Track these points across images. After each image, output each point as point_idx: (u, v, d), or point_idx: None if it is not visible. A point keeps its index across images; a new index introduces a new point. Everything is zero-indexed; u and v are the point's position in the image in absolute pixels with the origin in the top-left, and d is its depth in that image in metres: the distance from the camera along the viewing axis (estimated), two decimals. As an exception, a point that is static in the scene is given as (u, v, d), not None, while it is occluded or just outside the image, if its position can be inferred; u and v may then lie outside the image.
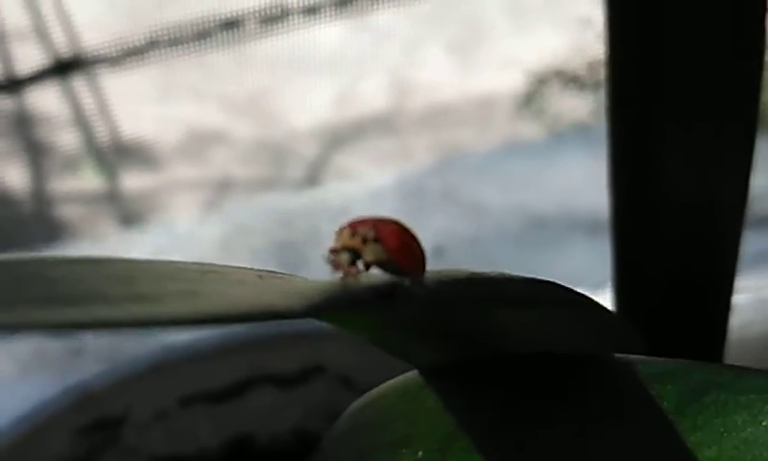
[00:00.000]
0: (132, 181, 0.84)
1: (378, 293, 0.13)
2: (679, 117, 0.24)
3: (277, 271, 0.16)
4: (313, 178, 0.85)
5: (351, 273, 0.13)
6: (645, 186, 0.25)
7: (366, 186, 0.63)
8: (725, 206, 0.25)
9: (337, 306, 0.12)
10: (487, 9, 0.98)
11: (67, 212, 0.80)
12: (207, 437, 0.36)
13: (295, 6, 0.84)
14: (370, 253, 0.13)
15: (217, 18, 0.82)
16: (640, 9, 0.23)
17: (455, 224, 0.58)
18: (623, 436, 0.16)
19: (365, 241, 0.13)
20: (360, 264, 0.13)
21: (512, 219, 0.60)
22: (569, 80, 0.90)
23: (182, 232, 0.60)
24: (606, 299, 0.53)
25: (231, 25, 0.81)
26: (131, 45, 0.79)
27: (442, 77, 0.97)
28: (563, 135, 0.82)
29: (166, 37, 0.80)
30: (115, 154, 0.85)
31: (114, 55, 0.78)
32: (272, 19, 0.83)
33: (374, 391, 0.22)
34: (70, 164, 0.84)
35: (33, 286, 0.10)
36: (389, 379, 0.20)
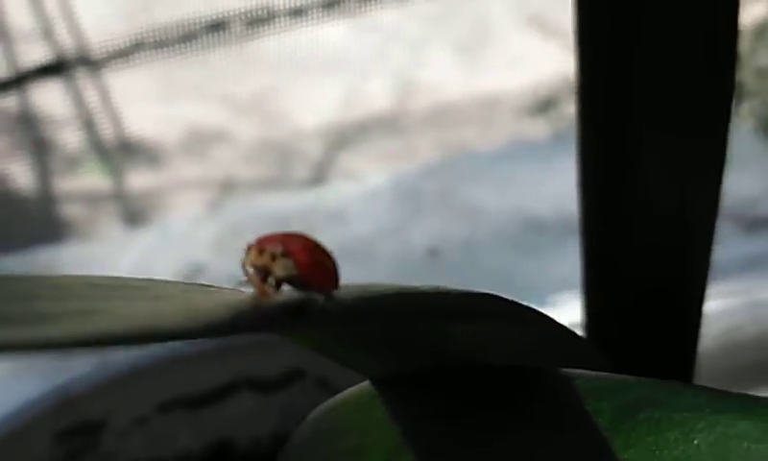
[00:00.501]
0: (136, 179, 0.84)
1: (287, 310, 0.13)
2: (650, 129, 0.24)
3: (207, 284, 0.16)
4: (317, 178, 0.85)
5: (264, 290, 0.13)
6: (616, 196, 0.25)
7: (362, 187, 0.63)
8: (697, 216, 0.25)
9: (245, 327, 0.12)
10: (492, 9, 0.97)
11: (69, 211, 0.80)
12: (188, 442, 0.36)
13: (300, 5, 0.84)
14: (279, 268, 0.13)
15: (221, 17, 0.82)
16: (611, 18, 0.23)
17: (451, 226, 0.58)
18: (559, 451, 0.16)
19: (273, 258, 0.13)
20: (271, 281, 0.13)
21: (509, 222, 0.60)
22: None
23: (176, 232, 0.60)
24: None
25: (234, 24, 0.81)
26: (134, 44, 0.79)
27: (447, 77, 0.96)
28: (566, 138, 0.81)
29: (170, 36, 0.81)
30: (119, 152, 0.85)
31: (118, 53, 0.78)
32: (275, 19, 0.83)
33: (334, 399, 0.22)
34: (74, 162, 0.84)
35: None
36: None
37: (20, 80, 0.83)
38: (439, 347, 0.18)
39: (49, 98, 0.86)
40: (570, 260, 0.57)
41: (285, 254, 0.13)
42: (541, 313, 0.17)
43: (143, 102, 0.88)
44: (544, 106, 0.88)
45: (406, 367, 0.19)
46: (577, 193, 0.26)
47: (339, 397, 0.22)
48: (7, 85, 0.80)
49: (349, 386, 0.26)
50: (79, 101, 0.86)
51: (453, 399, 0.18)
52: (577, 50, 0.24)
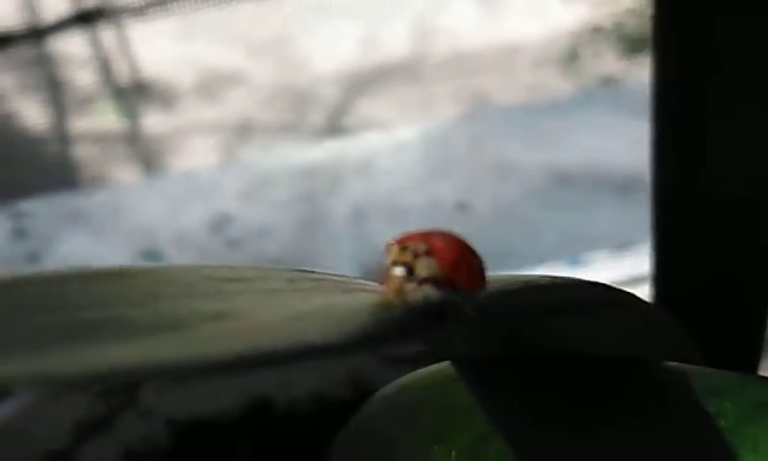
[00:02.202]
0: (152, 122, 0.83)
1: (429, 316, 0.12)
2: (733, 97, 0.23)
3: (306, 269, 0.15)
4: (334, 124, 0.83)
5: (401, 290, 0.12)
6: (693, 171, 0.24)
7: (388, 138, 0.61)
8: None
9: (381, 339, 0.11)
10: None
11: (86, 152, 0.79)
12: (225, 401, 0.35)
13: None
14: (423, 267, 0.12)
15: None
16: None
17: (479, 180, 0.57)
18: (674, 452, 0.15)
19: (417, 256, 0.12)
20: (412, 282, 0.12)
21: (538, 175, 0.59)
22: (600, 32, 0.88)
23: (203, 182, 0.59)
24: (628, 259, 0.51)
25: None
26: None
27: (467, 23, 0.94)
28: (590, 91, 0.80)
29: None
30: (135, 94, 0.84)
31: (138, 5, 0.76)
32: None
33: (408, 378, 0.21)
34: (89, 104, 0.83)
35: (25, 320, 0.09)
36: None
37: (41, 32, 0.81)
38: (543, 334, 0.17)
39: (68, 41, 0.84)
40: (601, 217, 0.56)
41: (429, 253, 0.12)
42: (651, 304, 0.16)
43: (160, 44, 0.86)
44: (567, 58, 0.86)
45: (502, 351, 0.18)
46: (651, 167, 0.25)
47: (414, 376, 0.21)
48: (28, 35, 0.78)
49: (407, 354, 0.25)
50: (95, 42, 0.84)
51: (549, 388, 0.17)
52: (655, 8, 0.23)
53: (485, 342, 0.17)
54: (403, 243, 0.13)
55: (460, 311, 0.12)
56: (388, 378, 0.22)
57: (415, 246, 0.12)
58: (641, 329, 0.18)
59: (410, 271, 0.12)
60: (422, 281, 0.12)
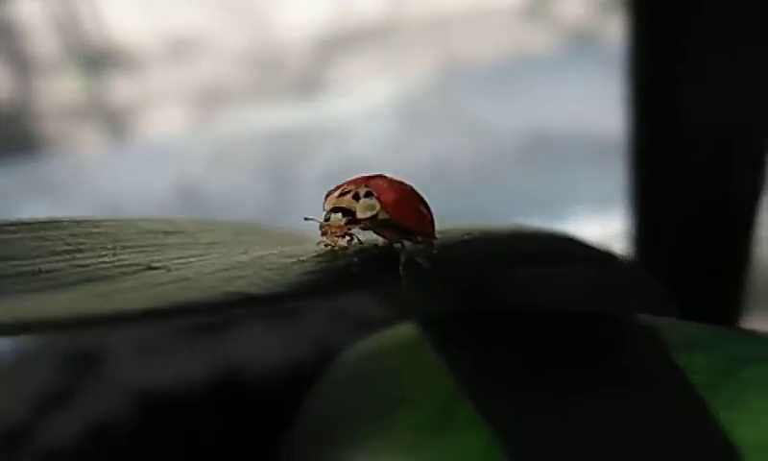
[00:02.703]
0: (118, 88, 0.81)
1: (375, 267, 0.11)
2: (707, 50, 0.22)
3: (255, 222, 0.14)
4: (306, 88, 0.82)
5: (342, 240, 0.11)
6: (671, 112, 0.23)
7: (360, 103, 0.60)
8: (754, 135, 0.24)
9: (327, 291, 0.10)
10: None
11: (49, 119, 0.77)
12: (193, 372, 0.34)
13: None
14: (363, 208, 0.11)
15: None
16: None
17: (456, 143, 0.56)
18: (645, 408, 0.15)
19: (357, 197, 0.11)
20: (355, 225, 0.11)
21: (515, 135, 0.58)
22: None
23: (171, 148, 0.58)
24: (611, 217, 0.51)
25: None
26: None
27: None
28: (566, 48, 0.79)
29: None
30: (100, 59, 0.82)
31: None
32: None
33: (374, 339, 0.20)
34: (52, 70, 0.81)
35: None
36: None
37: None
38: (508, 288, 0.16)
39: (26, 3, 0.82)
40: (579, 171, 0.55)
41: (369, 194, 0.11)
42: (622, 258, 0.15)
43: (125, 8, 0.84)
44: (542, 15, 0.85)
45: (467, 308, 0.17)
46: (625, 122, 0.24)
47: (377, 338, 0.21)
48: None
49: (373, 317, 0.25)
50: (57, 6, 0.82)
51: (519, 347, 0.17)
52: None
53: (445, 297, 0.17)
54: (342, 189, 0.12)
55: (411, 259, 0.11)
56: (355, 342, 0.22)
57: (354, 189, 0.12)
58: (613, 284, 0.17)
59: (351, 216, 0.11)
60: (365, 222, 0.11)
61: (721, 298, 0.24)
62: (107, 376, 0.33)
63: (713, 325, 0.16)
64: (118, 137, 0.75)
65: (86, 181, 0.57)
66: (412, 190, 0.12)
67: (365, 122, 0.59)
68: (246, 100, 0.79)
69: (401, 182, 0.12)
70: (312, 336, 0.32)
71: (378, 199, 0.11)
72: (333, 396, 0.21)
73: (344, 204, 0.11)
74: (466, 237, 0.13)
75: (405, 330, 0.19)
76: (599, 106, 0.61)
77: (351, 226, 0.11)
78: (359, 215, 0.11)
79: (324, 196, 0.12)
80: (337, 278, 0.10)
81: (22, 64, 0.80)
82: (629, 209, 0.24)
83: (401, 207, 0.12)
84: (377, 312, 0.25)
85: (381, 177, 0.12)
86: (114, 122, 0.76)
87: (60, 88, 0.79)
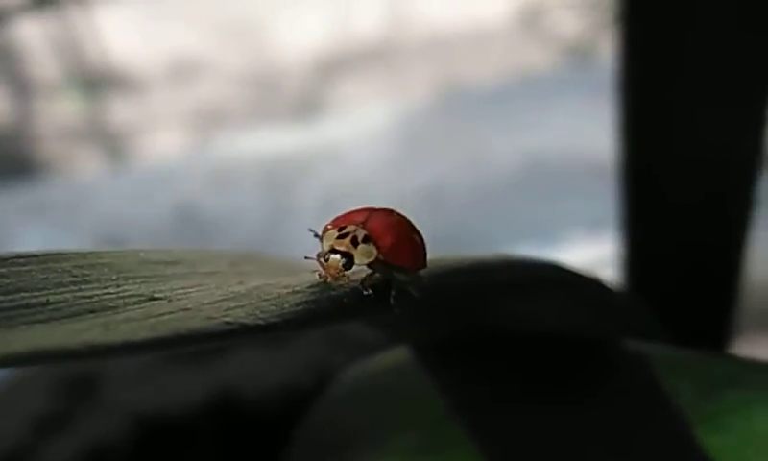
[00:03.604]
0: (117, 109, 0.81)
1: (368, 299, 0.11)
2: (705, 63, 0.22)
3: (251, 251, 0.15)
4: (304, 110, 0.82)
5: (338, 277, 0.11)
6: (664, 140, 0.23)
7: (359, 125, 0.61)
8: (740, 163, 0.24)
9: (321, 321, 0.11)
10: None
11: (49, 141, 0.78)
12: (192, 393, 0.35)
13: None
14: (361, 255, 0.12)
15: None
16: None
17: (453, 166, 0.57)
18: (631, 431, 0.15)
19: (355, 242, 0.12)
20: (352, 270, 0.12)
21: (512, 159, 0.58)
22: (573, 7, 0.87)
23: (170, 170, 0.58)
24: (603, 239, 0.51)
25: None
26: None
27: (439, 4, 0.94)
28: (564, 68, 0.79)
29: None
30: (100, 80, 0.82)
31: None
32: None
33: (369, 362, 0.21)
34: (52, 91, 0.81)
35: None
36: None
37: (2, 17, 0.79)
38: (496, 314, 0.17)
39: (26, 24, 0.83)
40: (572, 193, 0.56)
41: (367, 239, 0.12)
42: (608, 283, 0.16)
43: (123, 29, 0.85)
44: (540, 35, 0.85)
45: (457, 333, 0.17)
46: (617, 143, 0.25)
47: (375, 360, 0.21)
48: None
49: (368, 341, 0.25)
50: (57, 27, 0.83)
51: (509, 371, 0.17)
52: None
53: (437, 323, 0.17)
54: (340, 226, 0.12)
55: (404, 292, 0.12)
56: (350, 365, 0.22)
57: (353, 232, 0.12)
58: (601, 309, 0.17)
59: (349, 260, 0.12)
60: (362, 267, 0.12)
61: (713, 318, 0.25)
62: (104, 399, 0.33)
63: (701, 348, 0.17)
64: (117, 160, 0.75)
65: (85, 203, 0.57)
66: (408, 226, 0.12)
67: (363, 144, 0.59)
68: (245, 122, 0.80)
69: (398, 219, 0.13)
70: (307, 359, 0.33)
71: (376, 244, 0.12)
72: (330, 416, 0.21)
73: (342, 247, 0.12)
74: (456, 266, 0.14)
75: (398, 354, 0.20)
76: (599, 127, 0.62)
77: (349, 269, 0.12)
78: (357, 261, 0.12)
79: (321, 229, 0.12)
80: (330, 308, 0.11)
81: (21, 86, 0.80)
82: (621, 231, 0.24)
83: (398, 250, 0.12)
84: (371, 336, 0.26)
85: (378, 214, 0.12)
86: (113, 144, 0.77)
87: (58, 111, 0.79)
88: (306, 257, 0.12)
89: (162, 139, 0.78)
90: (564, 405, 0.16)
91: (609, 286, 0.16)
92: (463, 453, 0.17)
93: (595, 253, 0.50)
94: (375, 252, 0.12)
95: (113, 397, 0.33)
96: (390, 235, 0.12)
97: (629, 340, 0.16)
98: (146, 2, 0.85)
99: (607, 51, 0.83)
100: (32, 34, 0.82)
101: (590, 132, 0.59)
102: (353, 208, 0.12)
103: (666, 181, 0.24)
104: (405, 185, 0.57)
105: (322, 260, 0.12)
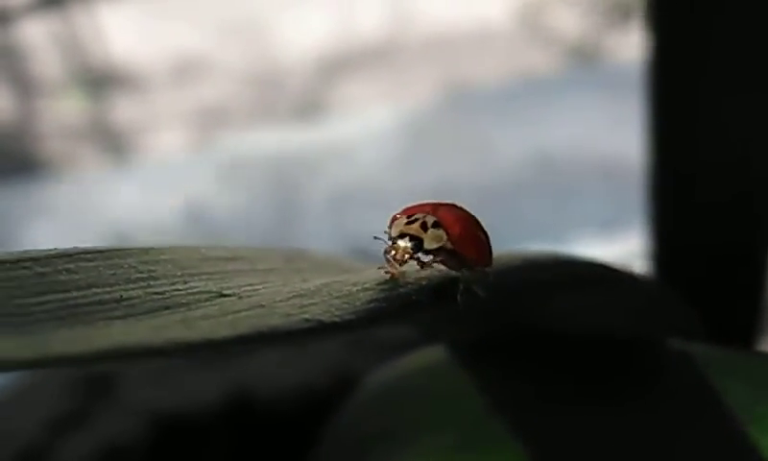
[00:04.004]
0: (122, 108, 0.81)
1: (438, 296, 0.11)
2: (728, 68, 0.22)
3: (300, 249, 0.15)
4: (310, 109, 0.82)
5: (400, 267, 0.11)
6: (691, 136, 0.23)
7: (363, 124, 0.61)
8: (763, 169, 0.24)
9: (391, 317, 0.11)
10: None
11: (53, 140, 0.78)
12: (207, 394, 0.34)
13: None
14: (431, 239, 0.12)
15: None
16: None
17: (460, 165, 0.57)
18: (683, 432, 0.15)
19: (425, 227, 0.12)
20: (421, 256, 0.11)
21: (519, 158, 0.58)
22: (578, 5, 0.87)
23: (176, 169, 0.58)
24: (618, 238, 0.51)
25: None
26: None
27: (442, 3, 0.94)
28: (570, 68, 0.79)
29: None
30: (104, 80, 0.82)
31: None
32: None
33: (400, 362, 0.21)
34: (56, 90, 0.81)
35: (16, 302, 0.09)
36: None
37: (5, 16, 0.79)
38: (538, 314, 0.16)
39: (30, 23, 0.82)
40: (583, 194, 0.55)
41: (437, 224, 0.12)
42: (654, 282, 0.16)
43: (128, 28, 0.84)
44: (545, 35, 0.85)
45: (499, 332, 0.17)
46: (644, 142, 0.24)
47: (406, 360, 0.21)
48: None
49: (389, 342, 0.25)
50: (61, 26, 0.82)
51: (552, 370, 0.17)
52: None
53: (478, 321, 0.17)
54: (410, 214, 0.12)
55: (471, 291, 0.11)
56: (373, 365, 0.22)
57: (423, 217, 0.12)
58: (644, 307, 0.17)
59: (418, 243, 0.12)
60: (430, 254, 0.12)
61: (741, 315, 0.25)
62: (120, 398, 0.33)
63: (734, 345, 0.17)
64: (120, 159, 0.75)
65: (89, 202, 0.57)
66: (475, 222, 0.12)
67: (368, 144, 0.59)
68: (249, 121, 0.80)
69: (466, 213, 0.13)
70: (326, 361, 0.32)
71: (446, 230, 0.12)
72: (360, 417, 0.21)
73: (412, 230, 0.12)
74: (506, 264, 0.14)
75: (431, 353, 0.19)
76: (603, 125, 0.62)
77: (417, 253, 0.11)
78: (426, 245, 0.12)
79: (389, 220, 0.12)
80: (401, 305, 0.11)
81: (25, 86, 0.80)
82: (648, 228, 0.24)
83: (466, 240, 0.12)
84: (394, 337, 0.25)
85: (447, 206, 0.12)
86: (117, 143, 0.76)
87: (62, 110, 0.79)
88: (375, 237, 0.12)
89: (166, 138, 0.78)
90: (610, 406, 0.16)
91: (653, 284, 0.16)
92: (503, 452, 0.17)
93: (604, 253, 0.50)
94: (445, 237, 0.12)
95: (131, 396, 0.33)
96: (459, 226, 0.12)
97: (673, 339, 0.16)
98: (149, 1, 0.85)
99: (610, 50, 0.83)
100: (36, 33, 0.81)
101: (596, 131, 0.59)
102: (421, 201, 0.12)
103: (694, 178, 0.24)
104: (410, 185, 0.57)
105: (390, 251, 0.12)
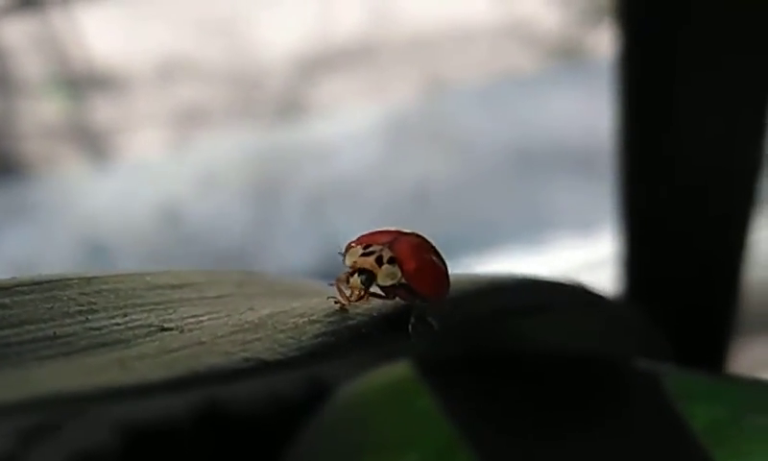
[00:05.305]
0: (100, 109, 0.80)
1: (389, 329, 0.11)
2: (705, 58, 0.22)
3: (254, 272, 0.14)
4: (289, 109, 0.82)
5: (358, 297, 0.11)
6: (662, 142, 0.23)
7: (343, 124, 0.60)
8: (740, 169, 0.24)
9: (339, 353, 0.10)
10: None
11: (31, 142, 0.77)
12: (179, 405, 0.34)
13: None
14: (385, 275, 0.11)
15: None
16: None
17: (439, 164, 0.56)
18: (646, 455, 0.15)
19: (380, 262, 0.11)
20: (374, 289, 0.11)
21: (498, 156, 0.58)
22: (558, 4, 0.87)
23: (153, 171, 0.57)
24: (596, 240, 0.51)
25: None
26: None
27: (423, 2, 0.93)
28: (550, 66, 0.79)
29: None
30: (81, 83, 0.81)
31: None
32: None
33: (366, 380, 0.20)
34: (35, 91, 0.80)
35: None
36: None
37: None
38: (501, 335, 0.16)
39: (10, 25, 0.81)
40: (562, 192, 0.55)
41: (392, 260, 0.11)
42: (621, 303, 0.16)
43: (107, 30, 0.84)
44: (527, 34, 0.85)
45: (466, 352, 0.17)
46: (615, 147, 0.24)
47: (374, 377, 0.20)
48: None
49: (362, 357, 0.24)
50: (41, 28, 0.81)
51: (517, 391, 0.17)
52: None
53: (447, 344, 0.17)
54: (365, 244, 0.12)
55: (424, 322, 0.11)
56: (346, 378, 0.22)
57: (378, 251, 0.12)
58: (611, 328, 0.17)
59: (371, 278, 0.11)
60: (384, 290, 0.11)
61: (713, 319, 0.24)
62: (91, 410, 0.32)
63: (705, 364, 0.17)
64: (100, 159, 0.74)
65: (68, 203, 0.57)
66: (432, 251, 0.12)
67: (348, 143, 0.59)
68: (228, 122, 0.79)
69: (423, 244, 0.12)
70: (304, 371, 0.32)
71: (401, 266, 0.11)
72: (329, 435, 0.21)
73: (366, 265, 0.11)
74: (471, 290, 0.13)
75: (401, 370, 0.19)
76: (583, 123, 0.62)
77: (370, 289, 0.11)
78: (380, 281, 0.11)
79: (345, 245, 0.12)
80: (349, 339, 0.10)
81: (4, 86, 0.79)
82: (619, 232, 0.24)
83: (421, 275, 0.12)
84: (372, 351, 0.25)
85: (405, 237, 0.12)
86: (96, 144, 0.76)
87: (42, 110, 0.78)
88: (330, 284, 0.11)
89: (145, 139, 0.77)
90: (578, 429, 0.16)
91: (621, 305, 0.16)
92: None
93: (584, 252, 0.49)
94: (399, 274, 0.11)
95: (100, 407, 0.32)
96: (414, 259, 0.12)
97: (640, 359, 0.16)
98: (129, 2, 0.84)
99: (591, 49, 0.83)
100: (15, 34, 0.81)
101: (577, 129, 0.59)
102: (380, 229, 0.12)
103: (666, 179, 0.24)
104: (390, 184, 0.57)
105: (341, 283, 0.11)
